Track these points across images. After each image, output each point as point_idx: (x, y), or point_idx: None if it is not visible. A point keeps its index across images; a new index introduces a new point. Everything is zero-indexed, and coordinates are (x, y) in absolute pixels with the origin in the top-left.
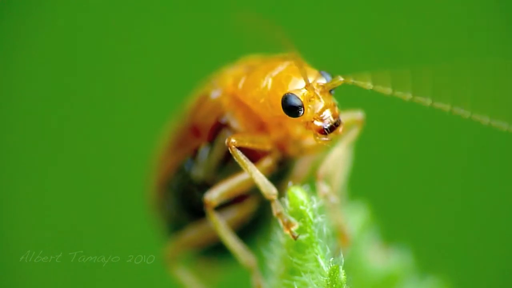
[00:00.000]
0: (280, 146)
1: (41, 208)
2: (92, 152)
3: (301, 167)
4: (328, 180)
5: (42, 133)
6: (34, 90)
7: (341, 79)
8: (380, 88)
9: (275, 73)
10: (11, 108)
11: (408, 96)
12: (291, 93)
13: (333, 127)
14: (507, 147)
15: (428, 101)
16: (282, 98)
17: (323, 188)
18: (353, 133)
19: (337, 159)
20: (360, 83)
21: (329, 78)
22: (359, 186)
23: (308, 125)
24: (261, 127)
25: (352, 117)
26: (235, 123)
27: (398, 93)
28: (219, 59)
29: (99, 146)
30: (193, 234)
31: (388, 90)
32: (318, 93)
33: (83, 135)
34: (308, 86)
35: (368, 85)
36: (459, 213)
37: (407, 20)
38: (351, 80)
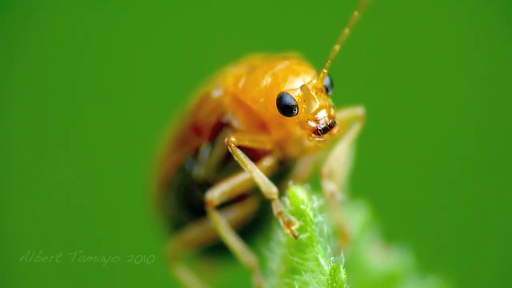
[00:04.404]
0: (281, 145)
1: (41, 208)
2: (92, 152)
3: (302, 167)
4: (332, 178)
5: (42, 133)
6: (34, 90)
7: (325, 70)
8: (342, 38)
9: (274, 72)
10: (11, 107)
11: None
12: (286, 92)
13: (327, 128)
14: (508, 147)
15: None
16: (277, 97)
17: (329, 186)
18: (355, 130)
19: (340, 156)
20: (332, 54)
21: (327, 79)
22: (359, 185)
23: (302, 125)
24: (262, 127)
25: (352, 113)
26: (236, 123)
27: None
28: (222, 58)
29: (99, 145)
30: (193, 233)
31: (346, 31)
32: (313, 93)
33: (83, 134)
34: (303, 86)
35: (336, 48)
36: (460, 213)
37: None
38: (329, 61)
